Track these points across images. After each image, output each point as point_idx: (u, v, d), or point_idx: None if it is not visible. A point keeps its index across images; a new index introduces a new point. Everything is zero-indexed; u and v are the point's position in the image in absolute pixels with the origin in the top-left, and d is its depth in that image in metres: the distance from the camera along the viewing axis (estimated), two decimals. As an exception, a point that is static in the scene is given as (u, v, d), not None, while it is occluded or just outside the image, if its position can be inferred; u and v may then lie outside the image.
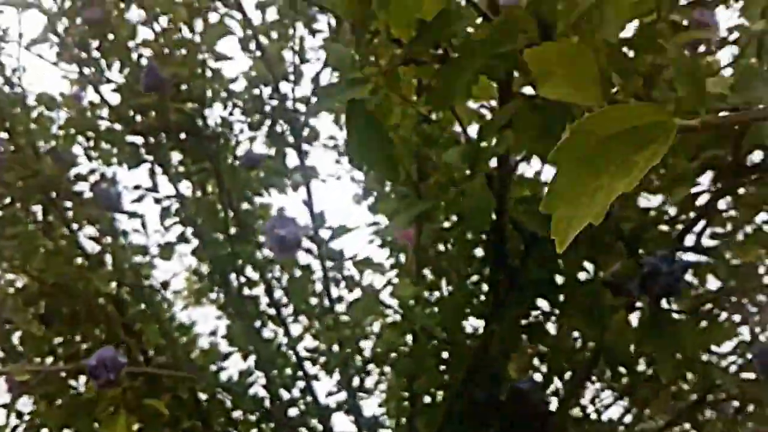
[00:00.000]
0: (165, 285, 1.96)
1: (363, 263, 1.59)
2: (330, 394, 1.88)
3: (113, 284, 1.73)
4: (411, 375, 1.53)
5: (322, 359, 1.87)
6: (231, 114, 1.96)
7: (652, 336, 1.01)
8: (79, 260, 1.74)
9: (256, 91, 1.93)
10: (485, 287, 1.34)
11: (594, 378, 1.48)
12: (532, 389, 1.25)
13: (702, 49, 1.07)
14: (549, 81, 0.52)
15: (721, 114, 0.62)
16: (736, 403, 1.40)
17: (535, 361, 1.44)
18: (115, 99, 1.88)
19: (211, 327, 2.14)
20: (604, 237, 1.18)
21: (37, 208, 1.76)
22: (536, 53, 0.53)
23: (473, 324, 1.49)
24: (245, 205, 1.97)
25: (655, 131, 0.40)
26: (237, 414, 1.90)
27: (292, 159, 1.97)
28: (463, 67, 0.70)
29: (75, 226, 1.78)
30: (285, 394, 1.93)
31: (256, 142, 1.98)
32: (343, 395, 1.86)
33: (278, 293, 1.96)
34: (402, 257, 1.69)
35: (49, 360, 1.69)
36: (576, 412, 1.54)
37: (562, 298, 1.19)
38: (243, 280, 1.95)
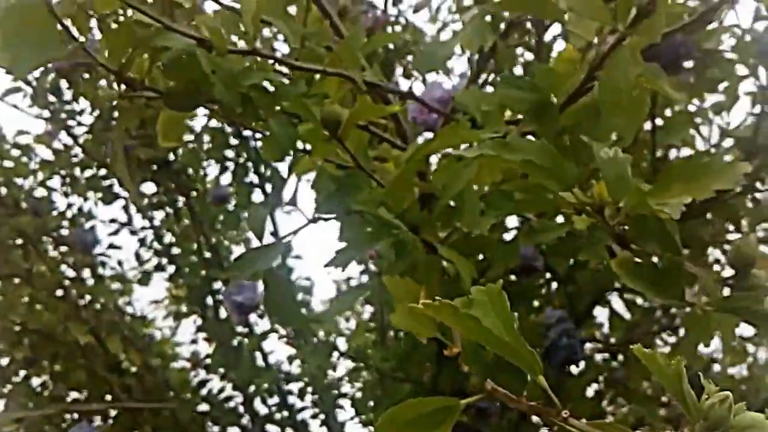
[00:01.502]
0: (144, 318, 2.08)
1: (321, 317, 1.68)
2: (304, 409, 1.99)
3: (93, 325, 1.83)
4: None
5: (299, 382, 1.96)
6: (199, 149, 2.04)
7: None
8: (60, 301, 1.83)
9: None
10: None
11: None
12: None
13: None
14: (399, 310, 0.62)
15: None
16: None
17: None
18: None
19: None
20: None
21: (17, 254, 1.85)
22: (393, 282, 0.63)
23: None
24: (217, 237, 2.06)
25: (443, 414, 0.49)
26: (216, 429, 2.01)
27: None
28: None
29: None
30: (262, 408, 2.03)
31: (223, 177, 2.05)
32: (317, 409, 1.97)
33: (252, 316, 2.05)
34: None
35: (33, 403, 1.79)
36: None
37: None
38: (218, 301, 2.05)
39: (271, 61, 0.82)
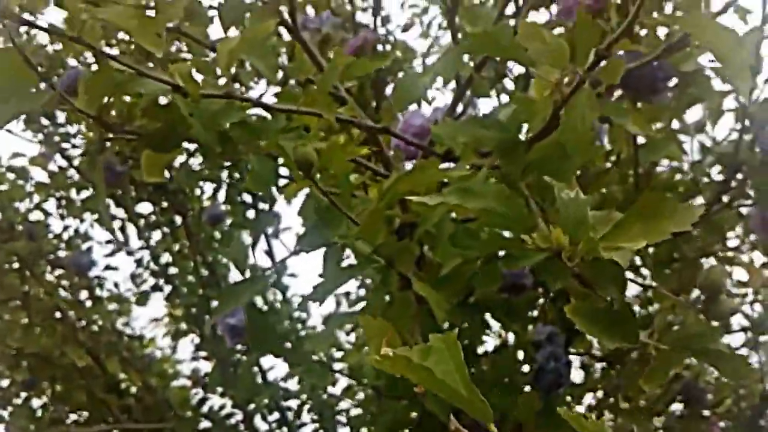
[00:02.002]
0: (141, 338, 2.09)
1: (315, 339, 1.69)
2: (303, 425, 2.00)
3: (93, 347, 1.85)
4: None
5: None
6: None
7: (545, 422, 1.14)
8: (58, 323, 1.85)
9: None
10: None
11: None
12: None
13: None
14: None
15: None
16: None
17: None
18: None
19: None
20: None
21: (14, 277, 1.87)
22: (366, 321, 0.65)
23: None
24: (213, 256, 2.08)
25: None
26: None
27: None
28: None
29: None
30: (263, 425, 2.05)
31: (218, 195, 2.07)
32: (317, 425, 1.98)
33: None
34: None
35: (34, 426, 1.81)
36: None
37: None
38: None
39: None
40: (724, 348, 0.59)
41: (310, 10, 1.52)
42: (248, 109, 0.80)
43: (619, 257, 0.55)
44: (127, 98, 0.79)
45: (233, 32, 0.91)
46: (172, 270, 2.11)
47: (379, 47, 1.74)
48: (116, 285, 2.06)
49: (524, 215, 0.58)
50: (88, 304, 2.01)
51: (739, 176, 1.31)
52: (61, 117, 2.00)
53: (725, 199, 1.33)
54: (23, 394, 1.88)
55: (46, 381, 1.86)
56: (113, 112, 0.75)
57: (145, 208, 2.11)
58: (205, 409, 2.07)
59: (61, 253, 2.02)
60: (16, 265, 1.86)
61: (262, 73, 0.84)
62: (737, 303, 0.73)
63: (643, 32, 1.24)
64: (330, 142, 0.72)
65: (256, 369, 2.05)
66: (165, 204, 2.09)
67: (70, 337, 1.80)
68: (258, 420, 2.03)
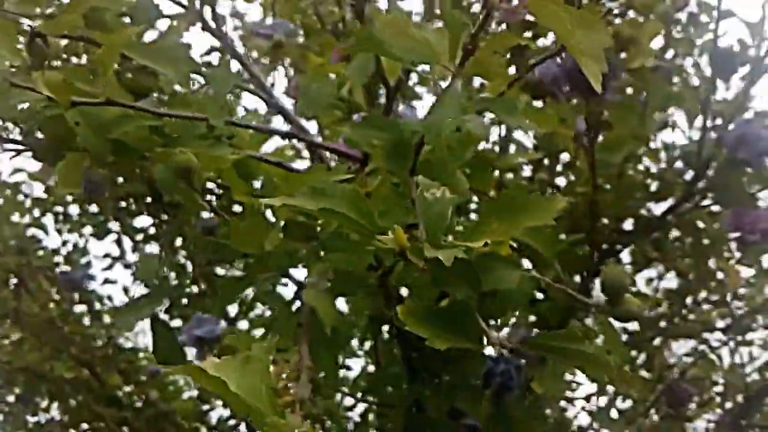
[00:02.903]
0: (145, 350, 2.10)
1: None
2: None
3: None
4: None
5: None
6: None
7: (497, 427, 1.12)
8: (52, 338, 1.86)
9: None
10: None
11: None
12: None
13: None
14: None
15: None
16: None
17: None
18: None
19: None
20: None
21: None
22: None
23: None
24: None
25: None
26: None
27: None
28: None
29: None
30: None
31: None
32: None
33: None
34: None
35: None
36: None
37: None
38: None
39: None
40: (589, 349, 0.57)
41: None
42: (149, 119, 0.79)
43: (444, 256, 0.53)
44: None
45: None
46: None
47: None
48: (109, 298, 2.06)
49: (370, 217, 0.56)
50: (87, 318, 2.02)
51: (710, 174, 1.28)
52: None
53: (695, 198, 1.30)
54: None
55: (39, 397, 1.87)
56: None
57: (142, 221, 2.11)
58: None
59: (63, 268, 2.03)
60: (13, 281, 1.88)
61: (173, 79, 0.84)
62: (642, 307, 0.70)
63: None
64: (203, 155, 0.71)
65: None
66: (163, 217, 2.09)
67: (61, 351, 1.81)
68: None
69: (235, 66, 1.00)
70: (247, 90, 1.00)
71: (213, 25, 0.99)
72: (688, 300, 1.73)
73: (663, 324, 1.70)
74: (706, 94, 1.20)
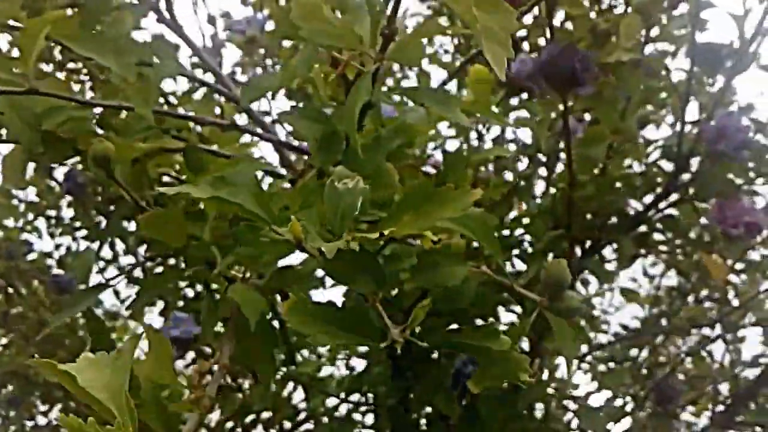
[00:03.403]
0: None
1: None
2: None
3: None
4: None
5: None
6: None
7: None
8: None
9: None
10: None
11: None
12: None
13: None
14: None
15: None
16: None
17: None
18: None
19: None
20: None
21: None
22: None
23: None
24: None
25: None
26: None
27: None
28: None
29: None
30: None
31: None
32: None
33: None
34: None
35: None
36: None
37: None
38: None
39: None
40: (497, 346, 0.54)
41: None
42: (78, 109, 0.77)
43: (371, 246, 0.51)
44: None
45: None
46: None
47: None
48: (100, 302, 2.05)
49: (267, 207, 0.54)
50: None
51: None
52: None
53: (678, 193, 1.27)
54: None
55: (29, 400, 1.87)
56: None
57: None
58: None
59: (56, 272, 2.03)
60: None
61: (116, 71, 0.81)
62: (582, 300, 0.67)
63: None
64: (119, 144, 0.69)
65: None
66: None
67: (52, 355, 1.80)
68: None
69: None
70: (198, 81, 0.98)
71: (167, 16, 0.97)
72: (690, 298, 1.70)
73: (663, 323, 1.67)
74: (684, 88, 1.17)
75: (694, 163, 1.24)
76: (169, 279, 0.77)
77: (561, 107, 1.13)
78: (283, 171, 0.98)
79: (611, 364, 1.59)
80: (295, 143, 0.96)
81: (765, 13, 1.15)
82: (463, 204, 0.54)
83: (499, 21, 0.50)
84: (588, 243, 1.30)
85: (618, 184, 1.26)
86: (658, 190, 1.27)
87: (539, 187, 1.41)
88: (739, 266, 1.46)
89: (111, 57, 0.81)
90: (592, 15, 1.18)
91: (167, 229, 0.70)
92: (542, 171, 1.40)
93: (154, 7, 0.94)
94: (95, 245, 1.81)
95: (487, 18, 0.50)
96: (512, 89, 1.18)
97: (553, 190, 1.31)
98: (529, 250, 1.28)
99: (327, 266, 0.54)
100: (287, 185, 0.94)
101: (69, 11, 0.88)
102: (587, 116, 1.32)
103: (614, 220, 1.28)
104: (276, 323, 0.89)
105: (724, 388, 1.58)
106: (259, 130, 0.93)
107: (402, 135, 0.68)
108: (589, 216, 1.27)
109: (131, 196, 0.70)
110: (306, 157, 0.87)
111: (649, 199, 1.29)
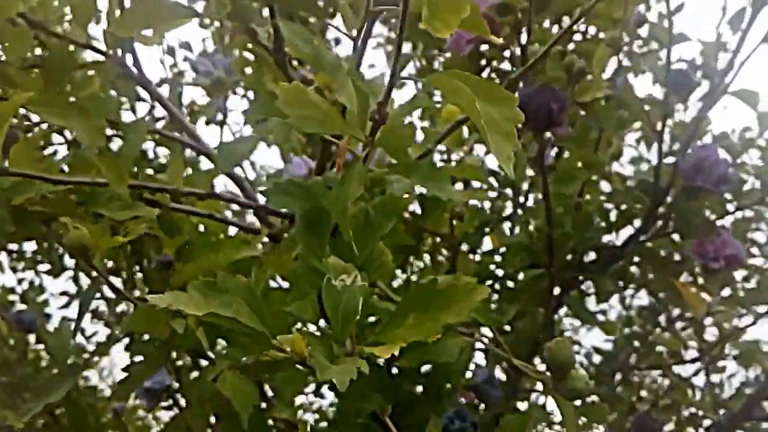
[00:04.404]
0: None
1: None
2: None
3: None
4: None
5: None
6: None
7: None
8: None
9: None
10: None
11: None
12: None
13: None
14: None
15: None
16: None
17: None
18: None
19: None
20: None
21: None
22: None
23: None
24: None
25: None
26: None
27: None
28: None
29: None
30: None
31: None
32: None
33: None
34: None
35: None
36: None
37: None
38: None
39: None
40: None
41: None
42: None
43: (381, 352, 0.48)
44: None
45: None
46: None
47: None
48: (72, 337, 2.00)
49: (265, 317, 0.51)
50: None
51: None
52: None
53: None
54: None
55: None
56: None
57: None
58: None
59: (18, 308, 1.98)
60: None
61: (84, 138, 0.78)
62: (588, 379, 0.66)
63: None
64: (93, 228, 0.66)
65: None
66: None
67: (17, 397, 1.74)
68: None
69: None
70: (170, 138, 0.95)
71: (135, 71, 0.93)
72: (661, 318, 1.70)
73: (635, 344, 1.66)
74: (660, 119, 1.16)
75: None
76: (155, 366, 0.73)
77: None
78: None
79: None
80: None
81: (740, 42, 1.14)
82: (469, 304, 0.51)
83: (502, 111, 0.48)
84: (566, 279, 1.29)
85: (596, 219, 1.25)
86: (636, 223, 1.26)
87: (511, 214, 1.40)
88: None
89: (78, 122, 0.77)
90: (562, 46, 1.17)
91: (152, 323, 0.67)
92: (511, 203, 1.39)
93: (121, 62, 0.90)
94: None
95: (489, 109, 0.48)
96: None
97: (529, 224, 1.29)
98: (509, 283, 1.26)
99: (335, 389, 0.51)
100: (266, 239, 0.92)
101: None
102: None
103: (592, 255, 1.27)
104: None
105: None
106: (239, 191, 0.90)
107: (392, 212, 0.65)
108: (569, 256, 1.26)
109: (110, 285, 0.67)
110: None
111: (626, 232, 1.28)
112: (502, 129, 0.48)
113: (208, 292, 0.50)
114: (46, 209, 0.79)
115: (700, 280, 1.37)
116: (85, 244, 0.65)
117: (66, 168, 0.88)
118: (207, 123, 1.48)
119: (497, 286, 1.26)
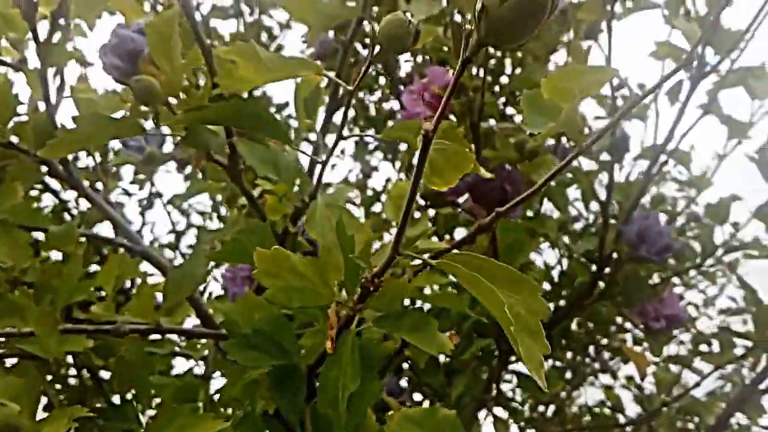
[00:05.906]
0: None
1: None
2: None
3: None
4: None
5: None
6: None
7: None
8: None
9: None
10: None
11: None
12: None
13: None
14: None
15: None
16: None
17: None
18: None
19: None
20: None
21: None
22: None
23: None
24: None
25: None
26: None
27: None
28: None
29: None
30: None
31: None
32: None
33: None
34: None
35: None
36: None
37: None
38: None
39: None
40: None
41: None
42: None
43: None
44: None
45: None
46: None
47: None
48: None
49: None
50: None
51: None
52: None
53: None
54: None
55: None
56: None
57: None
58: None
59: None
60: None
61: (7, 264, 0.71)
62: None
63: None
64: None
65: None
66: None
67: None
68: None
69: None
70: (104, 241, 0.87)
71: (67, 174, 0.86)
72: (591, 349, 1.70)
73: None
74: (606, 186, 1.15)
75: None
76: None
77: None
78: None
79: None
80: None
81: (679, 115, 1.14)
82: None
83: (527, 303, 0.44)
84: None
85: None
86: (578, 290, 1.26)
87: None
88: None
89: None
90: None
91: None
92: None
93: (55, 172, 0.83)
94: None
95: (512, 302, 0.44)
96: (435, 203, 1.13)
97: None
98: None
99: None
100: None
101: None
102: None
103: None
104: None
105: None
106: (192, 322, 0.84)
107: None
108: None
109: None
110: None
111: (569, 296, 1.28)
112: (529, 327, 0.44)
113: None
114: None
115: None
116: (13, 424, 0.58)
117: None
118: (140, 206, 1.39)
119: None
